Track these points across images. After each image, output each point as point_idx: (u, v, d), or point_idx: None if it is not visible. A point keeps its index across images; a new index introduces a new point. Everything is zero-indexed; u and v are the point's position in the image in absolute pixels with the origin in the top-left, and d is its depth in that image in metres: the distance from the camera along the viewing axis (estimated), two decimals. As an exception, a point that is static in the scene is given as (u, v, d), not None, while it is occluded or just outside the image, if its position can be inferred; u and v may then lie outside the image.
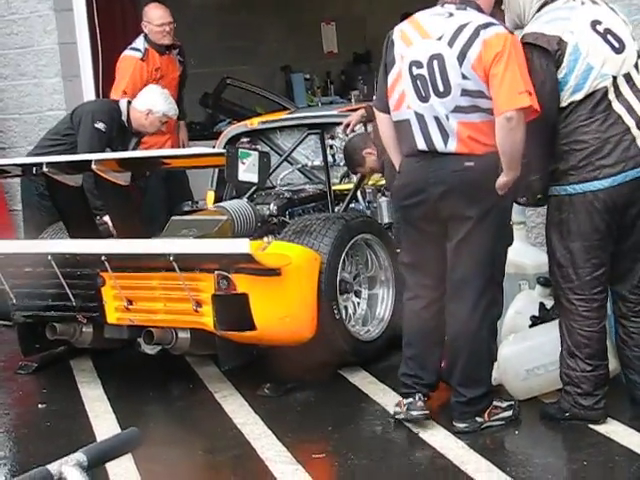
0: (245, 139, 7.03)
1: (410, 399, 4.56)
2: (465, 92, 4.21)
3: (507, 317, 5.02)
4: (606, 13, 4.43)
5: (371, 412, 4.88)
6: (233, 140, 7.00)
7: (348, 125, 6.39)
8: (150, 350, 5.45)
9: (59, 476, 2.01)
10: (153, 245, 5.14)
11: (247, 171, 4.98)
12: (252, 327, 4.94)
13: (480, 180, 4.25)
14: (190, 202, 7.07)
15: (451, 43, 4.22)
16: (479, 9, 4.34)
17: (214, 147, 6.89)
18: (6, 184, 7.85)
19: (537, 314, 4.90)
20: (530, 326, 4.88)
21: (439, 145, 4.28)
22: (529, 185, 4.44)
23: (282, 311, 5.02)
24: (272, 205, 6.20)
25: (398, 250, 5.55)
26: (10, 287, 5.55)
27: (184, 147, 7.81)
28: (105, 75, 7.67)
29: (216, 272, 4.92)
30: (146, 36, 7.48)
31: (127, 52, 7.45)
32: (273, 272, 4.91)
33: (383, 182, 6.29)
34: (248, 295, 4.91)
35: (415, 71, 4.30)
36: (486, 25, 4.22)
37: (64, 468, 2.03)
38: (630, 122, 4.27)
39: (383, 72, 4.46)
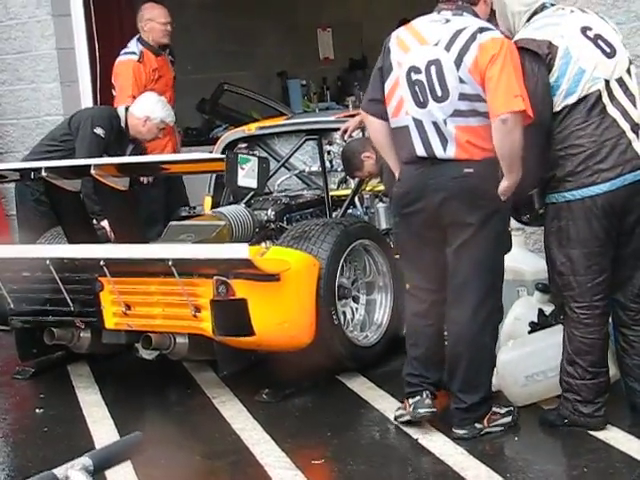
0: (243, 145, 7.04)
1: (417, 397, 4.54)
2: (463, 96, 4.23)
3: (506, 323, 5.03)
4: (596, 20, 4.48)
5: (370, 418, 4.88)
6: (230, 146, 7.01)
7: (346, 131, 6.40)
8: (148, 355, 5.45)
9: (65, 480, 2.01)
10: (152, 250, 5.14)
11: (246, 176, 4.99)
12: (251, 332, 4.93)
13: (480, 186, 4.26)
14: (187, 207, 7.07)
15: (448, 48, 4.24)
16: (475, 15, 4.37)
17: (211, 153, 6.89)
18: (3, 189, 7.85)
19: (536, 320, 4.90)
20: (529, 332, 4.88)
21: (438, 151, 4.28)
22: (529, 200, 4.44)
23: (281, 316, 5.02)
24: (270, 211, 6.20)
25: (397, 256, 5.57)
26: (8, 292, 5.54)
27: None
28: (103, 80, 7.67)
29: (215, 277, 4.92)
30: (139, 39, 7.47)
31: (122, 57, 7.42)
32: (272, 277, 4.91)
33: (381, 188, 6.30)
34: (247, 300, 4.90)
35: (413, 77, 4.31)
36: (482, 29, 4.25)
37: (70, 472, 2.05)
38: (625, 126, 4.28)
39: (378, 78, 4.47)
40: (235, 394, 5.29)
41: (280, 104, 8.82)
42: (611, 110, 4.28)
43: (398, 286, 5.59)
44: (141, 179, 6.71)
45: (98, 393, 5.53)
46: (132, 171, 5.54)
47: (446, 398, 4.60)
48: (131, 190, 5.57)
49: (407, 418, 4.58)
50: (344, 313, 5.48)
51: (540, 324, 4.87)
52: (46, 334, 5.55)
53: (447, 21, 4.32)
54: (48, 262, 5.24)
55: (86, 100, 7.68)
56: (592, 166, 4.25)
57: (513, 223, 5.41)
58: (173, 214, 6.95)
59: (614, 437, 4.30)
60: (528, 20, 4.44)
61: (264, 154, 6.86)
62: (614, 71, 4.32)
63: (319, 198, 6.50)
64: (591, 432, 4.35)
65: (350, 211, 6.36)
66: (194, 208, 7.03)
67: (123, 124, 6.64)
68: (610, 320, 4.50)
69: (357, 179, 6.33)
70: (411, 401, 4.58)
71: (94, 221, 6.20)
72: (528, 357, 4.71)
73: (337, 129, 6.53)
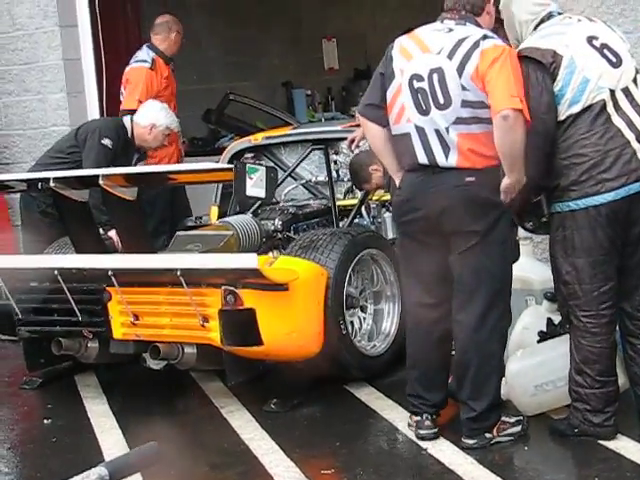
0: (249, 155, 7.05)
1: (418, 417, 4.58)
2: (465, 103, 4.24)
3: (514, 333, 5.02)
4: (603, 29, 4.47)
5: (379, 428, 4.87)
6: (237, 155, 7.02)
7: (353, 141, 6.39)
8: (155, 365, 5.43)
9: (81, 490, 2.01)
10: (160, 260, 5.14)
11: (255, 186, 4.99)
12: (259, 342, 4.93)
13: (481, 195, 4.26)
14: (194, 217, 7.07)
15: (451, 56, 4.26)
16: (478, 25, 4.39)
17: (217, 163, 6.89)
18: (9, 199, 7.85)
19: (545, 329, 4.90)
20: (538, 342, 4.87)
21: (440, 158, 4.29)
22: (533, 208, 4.45)
23: (289, 326, 5.02)
24: (277, 220, 6.20)
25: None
26: (16, 302, 5.54)
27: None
28: (109, 91, 7.69)
29: (223, 287, 4.92)
30: (150, 47, 7.59)
31: (135, 64, 7.53)
32: (280, 287, 4.91)
33: (388, 197, 6.30)
34: (255, 310, 4.90)
35: (416, 85, 4.32)
36: (485, 37, 4.28)
37: (86, 482, 2.03)
38: (630, 136, 4.28)
39: (379, 83, 4.46)
40: (243, 404, 5.29)
41: (286, 114, 8.83)
42: (616, 120, 4.29)
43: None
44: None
45: (106, 403, 5.53)
46: (140, 181, 5.53)
47: (455, 408, 4.60)
48: (139, 200, 5.58)
49: (413, 432, 4.61)
50: (352, 323, 5.47)
51: (549, 333, 4.87)
52: (54, 344, 5.54)
53: (450, 30, 4.34)
54: (56, 272, 5.24)
55: (92, 111, 7.69)
56: (596, 175, 4.26)
57: (521, 232, 5.43)
58: (179, 224, 6.95)
59: (624, 447, 4.29)
60: (535, 29, 4.45)
61: (270, 164, 6.87)
62: (620, 81, 4.32)
63: (326, 208, 6.50)
64: (601, 442, 4.34)
65: (357, 221, 6.36)
66: (200, 218, 7.03)
67: (129, 134, 6.65)
68: (617, 329, 4.50)
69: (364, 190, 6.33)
70: (414, 419, 4.62)
71: (102, 231, 6.20)
72: (537, 367, 4.71)
73: (344, 139, 6.53)
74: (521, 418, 4.54)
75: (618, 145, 4.27)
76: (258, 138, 7.10)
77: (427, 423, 4.55)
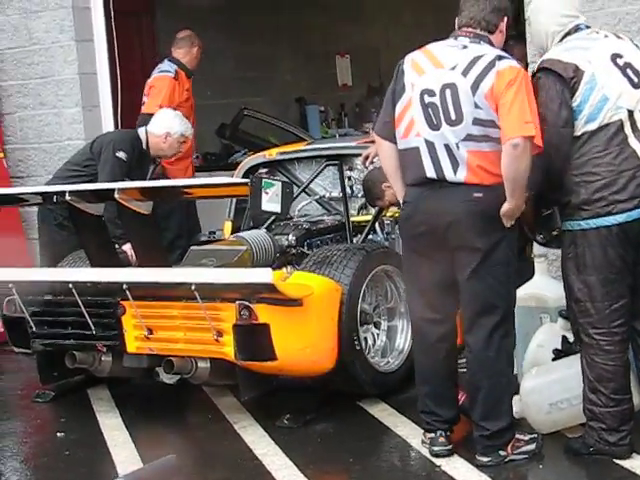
0: (263, 170, 7.05)
1: (432, 434, 4.57)
2: (477, 121, 4.24)
3: (529, 350, 5.02)
4: (629, 48, 4.45)
5: (392, 444, 4.86)
6: (251, 171, 7.02)
7: (367, 157, 6.41)
8: (169, 380, 5.43)
9: (101, 503, 2.01)
10: (175, 274, 5.14)
11: (270, 201, 5.01)
12: (273, 357, 4.93)
13: (488, 211, 4.27)
14: (207, 232, 7.09)
15: (465, 73, 4.26)
16: (491, 44, 4.40)
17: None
18: (24, 213, 7.88)
19: (559, 347, 4.88)
20: (553, 359, 4.86)
21: (448, 173, 4.29)
22: (544, 220, 4.44)
23: (303, 341, 5.01)
24: (291, 236, 6.20)
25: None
26: (30, 315, 5.55)
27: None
28: (124, 105, 7.72)
29: (237, 302, 4.92)
30: (171, 60, 7.82)
31: (158, 74, 7.78)
32: (295, 302, 4.91)
33: (401, 214, 6.30)
34: (269, 325, 4.90)
35: (427, 99, 4.33)
36: (501, 57, 4.28)
37: (106, 495, 2.03)
38: None
39: (390, 100, 4.48)
40: (256, 419, 5.28)
41: (300, 130, 8.85)
42: (632, 141, 4.27)
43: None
44: None
45: (119, 417, 5.53)
46: (155, 195, 5.54)
47: (469, 425, 4.59)
48: (154, 214, 5.59)
49: (427, 449, 4.60)
50: (366, 339, 5.47)
51: (564, 351, 4.85)
52: (68, 357, 5.54)
53: (464, 47, 4.35)
54: (71, 285, 5.24)
55: (107, 125, 7.72)
56: (608, 196, 4.25)
57: (536, 250, 5.43)
58: (192, 239, 6.96)
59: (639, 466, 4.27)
60: (561, 40, 4.42)
61: (284, 179, 6.87)
62: (639, 102, 4.31)
63: (339, 224, 6.50)
64: (616, 460, 4.32)
65: (370, 237, 6.36)
66: (214, 233, 7.05)
67: (144, 146, 6.66)
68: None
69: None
70: (428, 436, 4.61)
71: (116, 245, 6.21)
72: (552, 384, 4.69)
73: (358, 155, 6.54)
74: (535, 436, 4.52)
75: (632, 167, 4.26)
76: (272, 153, 7.11)
77: (441, 440, 4.54)
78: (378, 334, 5.62)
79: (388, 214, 6.46)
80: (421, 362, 4.62)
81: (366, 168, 6.43)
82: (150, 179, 6.78)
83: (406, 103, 4.40)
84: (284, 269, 5.82)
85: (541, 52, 4.50)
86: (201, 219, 7.89)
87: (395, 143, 4.47)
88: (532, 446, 4.47)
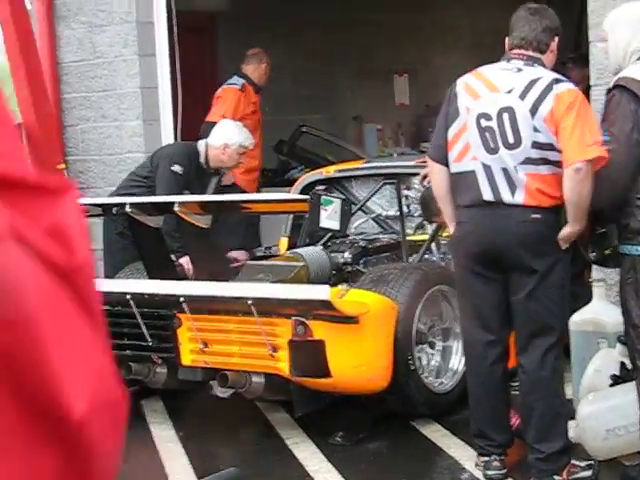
0: (320, 187, 7.07)
1: (486, 458, 4.54)
2: (536, 144, 4.23)
3: (586, 375, 4.96)
4: None
5: (445, 465, 4.84)
6: (308, 187, 7.04)
7: (425, 176, 6.39)
8: (222, 393, 5.44)
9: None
10: (232, 288, 5.17)
11: (329, 218, 5.02)
12: (327, 374, 4.93)
13: (545, 233, 4.25)
14: (263, 248, 7.12)
15: (523, 96, 4.25)
16: (544, 66, 4.38)
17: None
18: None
19: (617, 373, 4.82)
20: (610, 385, 4.80)
21: (506, 196, 4.28)
22: (597, 239, 4.40)
23: (358, 359, 5.01)
24: (347, 253, 6.21)
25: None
26: (87, 325, 5.60)
27: None
28: (184, 119, 7.79)
29: (293, 318, 4.93)
30: (240, 75, 8.20)
31: (226, 86, 8.20)
32: (351, 320, 4.91)
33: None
34: (325, 342, 4.90)
35: (484, 123, 4.32)
36: (558, 81, 4.27)
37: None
38: None
39: (443, 124, 4.48)
40: (309, 436, 5.28)
41: (359, 148, 8.87)
42: None
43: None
44: None
45: (172, 429, 5.56)
46: (214, 209, 5.58)
47: (523, 448, 4.55)
48: (215, 228, 5.62)
49: (481, 472, 4.56)
50: (420, 358, 5.45)
51: (622, 377, 4.79)
52: (123, 368, 5.58)
53: (519, 70, 4.34)
54: (128, 296, 5.29)
55: (167, 138, 7.78)
56: None
57: (594, 274, 5.38)
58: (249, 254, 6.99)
59: (698, 496, 4.21)
60: (638, 59, 4.37)
61: (342, 197, 6.88)
62: None
63: (395, 242, 6.50)
64: (674, 490, 4.26)
65: (426, 256, 6.34)
66: (269, 248, 7.06)
67: (202, 159, 6.68)
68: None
69: (435, 225, 6.32)
70: (482, 459, 4.58)
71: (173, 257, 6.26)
72: (609, 411, 4.63)
73: (416, 174, 6.54)
74: (592, 462, 4.47)
75: None
76: (330, 171, 7.12)
77: (495, 464, 4.51)
78: (433, 354, 5.59)
79: (444, 234, 6.44)
80: (475, 385, 4.59)
81: (424, 187, 6.42)
82: (217, 191, 6.79)
83: (460, 127, 4.39)
84: (340, 286, 5.82)
85: (617, 69, 4.41)
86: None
87: (447, 166, 4.46)
88: (588, 472, 4.42)
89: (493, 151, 4.30)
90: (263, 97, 8.54)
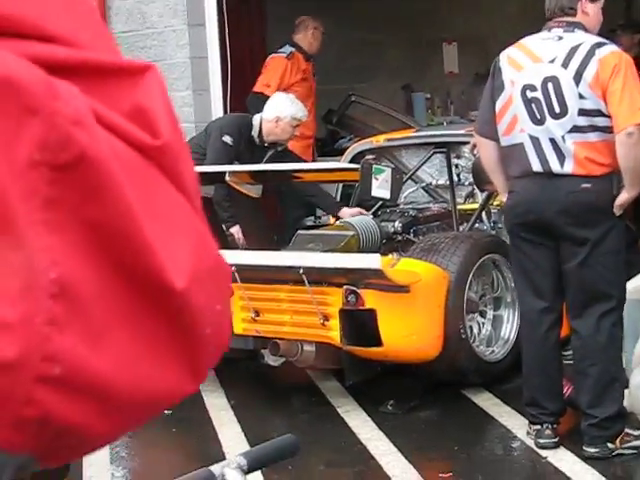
0: (370, 156, 7.05)
1: (537, 426, 4.53)
2: (582, 112, 4.19)
3: (638, 345, 4.92)
4: None
5: (497, 434, 4.84)
6: (358, 157, 7.03)
7: (475, 145, 6.37)
8: (274, 362, 5.49)
9: (221, 478, 2.04)
10: (284, 257, 5.19)
11: (380, 187, 5.02)
12: (379, 343, 4.94)
13: (596, 202, 4.23)
14: (313, 217, 7.12)
15: (565, 64, 4.22)
16: (585, 30, 4.33)
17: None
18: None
19: (671, 342, 4.78)
20: (664, 354, 4.76)
21: (555, 167, 4.26)
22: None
23: (409, 328, 5.02)
24: (397, 223, 6.20)
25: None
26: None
27: None
28: (233, 89, 7.80)
29: (345, 287, 4.95)
30: (291, 43, 8.19)
31: (274, 54, 8.17)
32: (402, 289, 4.92)
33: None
34: (376, 311, 4.92)
35: (529, 94, 4.30)
36: (599, 44, 4.23)
37: (226, 470, 2.06)
38: None
39: (489, 99, 4.47)
40: (360, 404, 5.30)
41: (408, 117, 8.83)
42: None
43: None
44: None
45: (224, 397, 5.60)
46: (265, 179, 5.60)
47: (576, 417, 4.54)
48: (264, 197, 5.63)
49: (533, 441, 4.56)
50: (471, 327, 5.44)
51: (675, 347, 4.75)
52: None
53: (560, 38, 4.30)
54: (180, 266, 5.32)
55: (217, 108, 7.80)
56: None
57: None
58: (299, 223, 7.00)
59: None
60: None
61: (392, 166, 6.86)
62: None
63: (446, 212, 6.48)
64: None
65: (477, 225, 6.32)
66: (319, 218, 7.07)
67: (256, 132, 6.66)
68: None
69: (485, 193, 6.29)
70: (533, 428, 4.57)
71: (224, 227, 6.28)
72: (663, 379, 4.60)
73: (466, 143, 6.50)
74: (646, 432, 4.45)
75: None
76: (379, 140, 7.10)
77: (547, 432, 4.50)
78: (484, 323, 5.58)
79: (495, 203, 6.41)
80: (529, 352, 4.58)
81: (474, 156, 6.38)
82: (270, 160, 6.76)
83: (506, 100, 4.38)
84: (391, 255, 5.82)
85: None
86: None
87: (496, 141, 4.45)
88: (641, 441, 4.40)
89: (540, 122, 4.28)
90: (315, 66, 8.51)
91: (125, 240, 0.73)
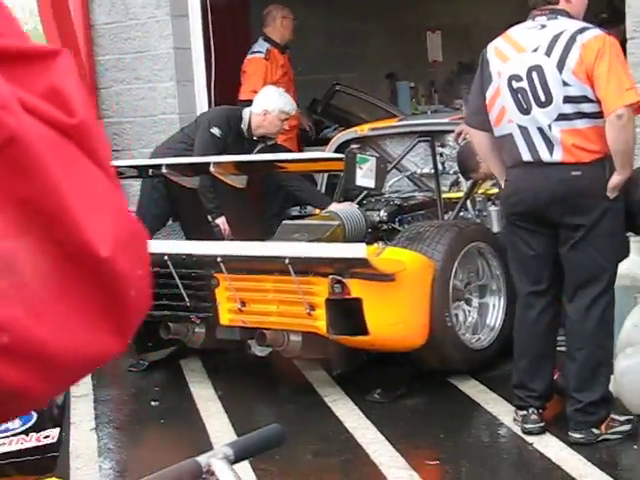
0: (355, 145, 7.06)
1: (524, 412, 4.55)
2: (568, 99, 4.21)
3: (623, 330, 4.95)
4: None
5: (483, 421, 4.86)
6: (343, 146, 7.03)
7: (460, 133, 6.39)
8: (261, 352, 5.50)
9: (207, 468, 2.05)
10: (269, 248, 5.19)
11: (364, 176, 5.01)
12: (365, 332, 4.95)
13: (587, 189, 4.24)
14: (299, 207, 7.12)
15: (548, 53, 4.23)
16: (569, 16, 4.33)
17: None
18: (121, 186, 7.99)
19: (655, 328, 4.81)
20: (648, 340, 4.80)
21: (544, 155, 4.27)
22: None
23: (395, 317, 5.03)
24: (382, 212, 6.22)
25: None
26: (126, 286, 5.64)
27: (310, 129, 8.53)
28: (217, 80, 7.79)
29: (330, 276, 4.95)
30: (265, 39, 8.03)
31: (250, 56, 8.03)
32: (387, 277, 4.92)
33: (494, 191, 6.27)
34: (362, 300, 4.93)
35: (515, 85, 4.31)
36: (582, 30, 4.23)
37: (212, 461, 2.06)
38: None
39: (478, 90, 4.49)
40: (347, 393, 5.31)
41: (392, 106, 8.84)
42: None
43: (511, 290, 5.56)
44: None
45: (211, 388, 5.62)
46: (249, 169, 5.59)
47: (562, 403, 4.56)
48: (249, 188, 5.63)
49: (519, 426, 4.58)
50: (457, 315, 5.46)
51: (660, 332, 4.78)
52: (162, 328, 5.64)
53: (543, 27, 4.31)
54: (166, 257, 5.33)
55: (201, 99, 7.80)
56: None
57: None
58: (284, 213, 7.00)
59: None
60: None
61: (377, 155, 6.86)
62: None
63: (430, 200, 6.49)
64: None
65: (462, 214, 6.33)
66: (305, 208, 7.07)
67: (245, 126, 6.63)
68: None
69: (470, 181, 6.31)
70: (520, 413, 4.59)
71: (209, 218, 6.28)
72: (647, 365, 4.63)
73: (450, 131, 6.52)
74: (631, 417, 4.48)
75: None
76: (364, 129, 7.11)
77: (533, 417, 4.52)
78: (469, 311, 5.60)
79: (480, 191, 6.43)
80: (520, 335, 4.61)
81: (458, 144, 6.40)
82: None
83: (494, 92, 4.40)
84: (376, 244, 5.83)
85: None
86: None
87: (487, 131, 4.47)
88: (627, 427, 4.42)
89: (526, 112, 4.29)
90: (295, 56, 8.50)
91: (55, 216, 0.79)
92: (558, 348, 4.62)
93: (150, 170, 5.83)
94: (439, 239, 5.33)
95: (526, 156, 4.31)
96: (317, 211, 6.68)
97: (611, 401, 4.46)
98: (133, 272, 0.86)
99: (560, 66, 4.19)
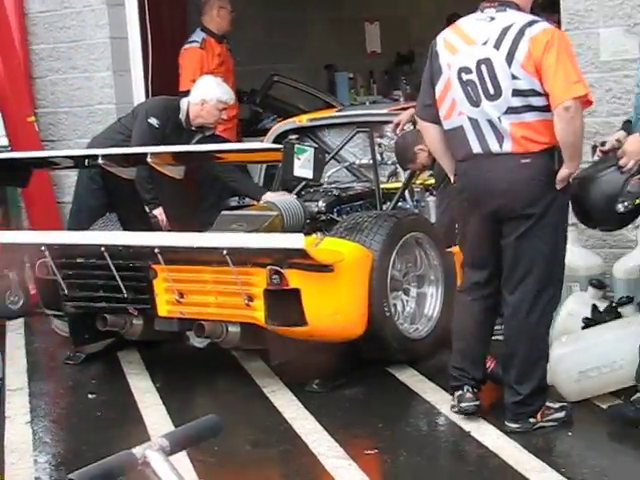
0: (293, 136, 7.06)
1: (459, 391, 4.59)
2: (516, 92, 4.22)
3: (559, 318, 5.03)
4: None
5: (421, 410, 4.89)
6: (281, 137, 7.03)
7: (398, 124, 6.43)
8: (199, 343, 5.48)
9: (143, 460, 2.04)
10: (207, 239, 5.17)
11: (302, 167, 5.02)
12: (303, 323, 4.95)
13: (537, 176, 4.26)
14: (237, 197, 7.09)
15: (497, 46, 4.24)
16: (518, 8, 4.35)
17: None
18: (54, 176, 7.91)
19: (589, 316, 4.89)
20: (583, 328, 4.86)
21: (494, 147, 4.29)
22: (631, 187, 4.39)
23: (333, 307, 5.04)
24: (320, 202, 6.22)
25: (448, 250, 5.58)
26: (62, 278, 5.59)
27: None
28: (155, 69, 7.73)
29: (269, 267, 4.94)
30: (202, 29, 7.96)
31: (186, 46, 7.94)
32: (326, 268, 4.93)
33: (431, 182, 6.31)
34: (300, 290, 4.92)
35: (464, 77, 4.32)
36: (530, 23, 4.25)
37: (148, 452, 2.06)
38: None
39: (428, 82, 4.49)
40: (285, 384, 5.31)
41: (330, 96, 8.84)
42: None
43: (449, 280, 5.60)
44: None
45: (149, 380, 5.58)
46: (187, 160, 5.56)
47: (498, 392, 4.61)
48: (186, 179, 5.60)
49: (456, 410, 4.61)
50: (395, 305, 5.48)
51: (594, 320, 4.86)
52: (99, 320, 5.59)
53: (492, 19, 4.32)
54: (103, 249, 5.28)
55: (138, 89, 7.73)
56: None
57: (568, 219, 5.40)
58: (223, 204, 6.97)
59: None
60: None
61: (315, 146, 6.86)
62: None
63: (369, 191, 6.51)
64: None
65: (400, 204, 6.36)
66: (244, 198, 7.05)
67: (183, 116, 6.58)
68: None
69: (408, 172, 6.35)
70: (456, 394, 4.62)
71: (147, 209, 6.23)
72: (582, 353, 4.70)
73: (389, 122, 6.54)
74: (565, 404, 4.53)
75: None
76: (302, 120, 7.11)
77: (468, 395, 4.54)
78: (407, 301, 5.63)
79: (418, 181, 6.46)
80: (459, 317, 4.64)
81: (397, 135, 6.44)
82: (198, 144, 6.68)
83: (445, 84, 4.40)
84: (314, 235, 5.84)
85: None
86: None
87: (436, 123, 4.48)
88: (562, 414, 4.47)
89: (476, 104, 4.30)
90: (233, 47, 8.45)
91: None
92: (494, 337, 4.66)
93: (86, 161, 5.77)
94: (377, 229, 5.35)
95: (476, 148, 4.33)
96: (256, 201, 6.67)
97: (547, 390, 4.51)
98: None
99: (509, 59, 4.20)
